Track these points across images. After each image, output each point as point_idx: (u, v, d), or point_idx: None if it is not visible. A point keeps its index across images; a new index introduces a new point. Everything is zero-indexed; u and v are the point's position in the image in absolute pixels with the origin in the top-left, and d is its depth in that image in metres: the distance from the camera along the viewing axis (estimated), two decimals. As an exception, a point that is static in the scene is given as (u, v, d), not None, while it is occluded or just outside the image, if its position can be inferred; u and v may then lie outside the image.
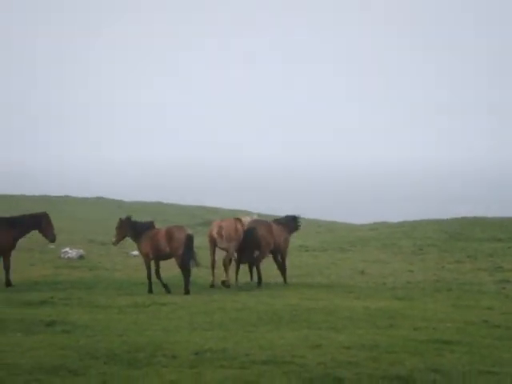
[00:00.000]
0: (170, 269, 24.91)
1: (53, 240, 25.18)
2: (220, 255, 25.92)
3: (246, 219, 26.33)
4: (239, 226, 25.77)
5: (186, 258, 23.11)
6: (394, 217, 55.39)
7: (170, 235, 23.23)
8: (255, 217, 27.57)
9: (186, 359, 13.53)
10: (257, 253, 25.45)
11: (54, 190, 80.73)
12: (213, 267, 25.34)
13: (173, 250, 23.22)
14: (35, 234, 25.54)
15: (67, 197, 63.31)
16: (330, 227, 46.65)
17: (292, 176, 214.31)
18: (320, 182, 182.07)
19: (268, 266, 26.39)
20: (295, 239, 32.78)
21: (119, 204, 58.76)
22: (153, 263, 23.64)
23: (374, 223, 47.11)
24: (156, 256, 23.52)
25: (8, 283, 24.24)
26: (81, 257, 31.25)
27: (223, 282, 24.93)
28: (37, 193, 64.84)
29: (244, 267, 25.63)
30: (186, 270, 23.15)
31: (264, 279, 25.31)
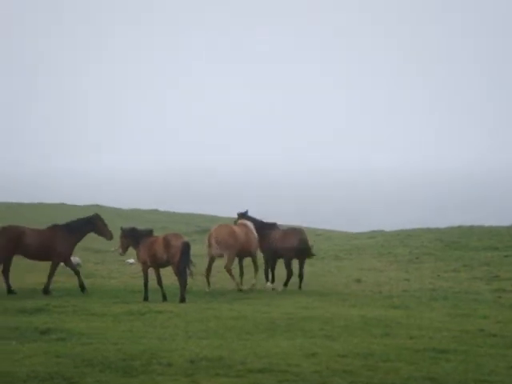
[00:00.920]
0: (167, 276, 24.90)
1: (111, 238, 25.64)
2: (218, 263, 25.93)
3: (250, 224, 26.29)
4: (239, 231, 25.62)
5: (182, 266, 23.13)
6: (391, 224, 55.31)
7: (167, 243, 23.26)
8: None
9: (181, 367, 13.51)
10: None
11: (50, 196, 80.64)
12: (208, 275, 25.36)
13: (170, 258, 23.24)
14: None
15: (63, 204, 63.20)
16: (329, 235, 46.55)
17: (293, 182, 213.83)
18: (321, 188, 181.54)
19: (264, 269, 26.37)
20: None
21: (118, 212, 58.66)
22: (153, 271, 23.71)
23: (371, 231, 47.06)
24: (153, 264, 23.58)
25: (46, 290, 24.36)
26: (77, 264, 31.15)
27: (239, 290, 25.09)
28: (33, 200, 64.82)
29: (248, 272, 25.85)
30: (182, 278, 23.16)
31: (258, 286, 25.30)
